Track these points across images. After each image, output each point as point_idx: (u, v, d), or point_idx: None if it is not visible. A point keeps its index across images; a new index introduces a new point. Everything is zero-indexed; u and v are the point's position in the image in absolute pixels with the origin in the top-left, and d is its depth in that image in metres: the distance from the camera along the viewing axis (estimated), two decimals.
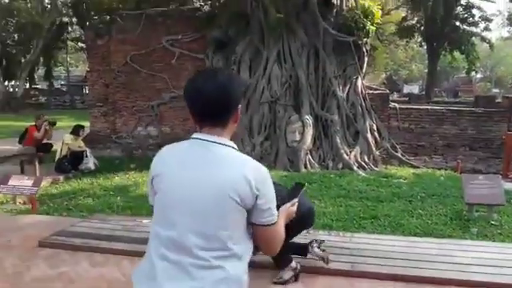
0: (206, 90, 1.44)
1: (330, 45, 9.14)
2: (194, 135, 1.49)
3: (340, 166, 8.50)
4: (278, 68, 9.10)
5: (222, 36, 9.52)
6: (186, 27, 9.92)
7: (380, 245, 4.26)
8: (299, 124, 8.81)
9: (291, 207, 1.68)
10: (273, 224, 1.44)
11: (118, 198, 6.31)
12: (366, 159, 8.68)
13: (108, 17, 10.53)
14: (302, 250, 3.63)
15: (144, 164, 8.74)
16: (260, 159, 8.68)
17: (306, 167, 8.38)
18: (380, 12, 9.30)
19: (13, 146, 9.70)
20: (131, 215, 5.48)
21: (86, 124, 10.69)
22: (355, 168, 8.28)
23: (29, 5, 27.43)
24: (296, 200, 1.74)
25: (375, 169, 8.43)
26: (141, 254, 4.03)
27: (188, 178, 1.41)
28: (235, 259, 1.39)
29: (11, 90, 28.28)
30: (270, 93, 9.05)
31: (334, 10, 9.11)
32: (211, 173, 1.39)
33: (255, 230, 1.45)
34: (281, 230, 1.50)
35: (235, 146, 1.49)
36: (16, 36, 31.09)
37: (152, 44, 9.99)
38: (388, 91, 10.07)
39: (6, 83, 29.84)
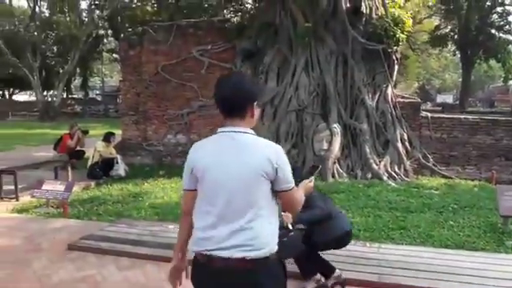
0: (223, 90, 1.83)
1: (358, 52, 9.04)
2: (219, 129, 1.85)
3: (369, 175, 8.33)
4: (305, 76, 9.08)
5: (250, 46, 9.60)
6: (216, 38, 10.06)
7: (408, 256, 4.15)
8: (327, 132, 8.72)
9: (309, 183, 2.12)
10: (290, 190, 1.84)
11: (147, 203, 6.42)
12: (397, 169, 8.46)
13: (140, 28, 10.80)
14: (325, 272, 3.56)
15: (173, 171, 8.92)
16: None
17: (333, 176, 8.26)
18: (411, 20, 9.13)
19: (48, 153, 10.10)
20: (158, 220, 5.56)
21: (118, 132, 10.99)
22: (385, 178, 8.09)
23: (67, 18, 28.61)
24: (312, 178, 2.18)
25: (406, 179, 8.21)
26: (165, 259, 4.12)
27: (223, 162, 1.76)
28: (262, 220, 1.76)
29: (49, 99, 29.38)
30: (297, 101, 9.02)
31: (364, 19, 9.00)
32: (240, 156, 1.76)
33: (279, 196, 1.85)
34: (298, 195, 1.93)
35: (253, 132, 1.85)
36: (55, 48, 32.47)
37: (182, 54, 10.19)
38: (420, 100, 9.83)
39: (45, 93, 31.10)
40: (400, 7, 9.41)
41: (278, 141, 8.95)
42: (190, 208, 1.87)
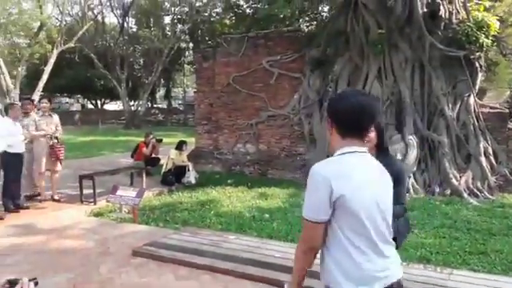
0: (373, 106, 1.69)
1: (437, 59, 8.43)
2: (351, 149, 1.67)
3: (448, 192, 7.71)
4: (378, 85, 8.68)
5: (320, 55, 9.44)
6: (286, 48, 10.06)
7: (486, 286, 3.70)
8: (402, 144, 8.23)
9: None
10: None
11: (212, 212, 6.52)
12: (479, 186, 7.73)
13: (213, 41, 11.17)
14: None
15: (240, 180, 9.04)
16: None
17: (408, 192, 7.77)
18: (497, 24, 8.30)
19: (128, 160, 10.76)
20: (220, 230, 5.60)
21: (192, 140, 11.42)
22: (465, 195, 7.43)
23: (152, 33, 30.55)
24: None
25: (490, 197, 7.45)
26: (223, 271, 4.09)
27: (371, 187, 1.64)
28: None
29: (135, 108, 31.51)
30: None
31: (442, 23, 8.38)
32: (380, 178, 1.70)
33: None
34: None
35: None
36: (141, 61, 34.83)
37: (253, 65, 10.32)
38: (507, 110, 8.90)
39: (132, 103, 33.43)
40: (485, 10, 8.63)
41: None
42: (320, 242, 1.66)
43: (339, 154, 1.67)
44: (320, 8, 15.66)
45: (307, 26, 13.89)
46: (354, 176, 1.59)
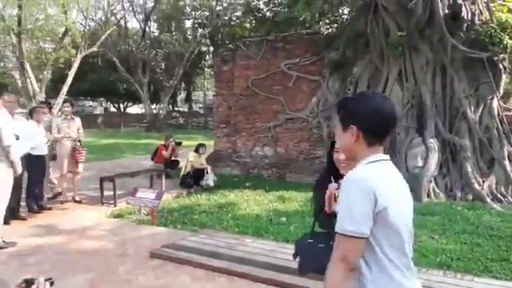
0: (395, 109, 1.64)
1: (459, 61, 8.26)
2: (377, 157, 1.58)
3: (470, 197, 7.53)
4: (398, 87, 8.57)
5: (339, 57, 9.37)
6: (305, 51, 10.03)
7: None
8: (422, 148, 8.09)
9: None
10: None
11: (229, 215, 6.55)
12: (503, 190, 7.52)
13: (232, 45, 11.25)
14: None
15: (258, 183, 9.04)
16: None
17: (428, 196, 7.64)
18: None
19: (148, 162, 10.92)
20: (237, 233, 5.61)
21: (212, 143, 11.50)
22: (488, 200, 7.24)
23: (174, 37, 30.95)
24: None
25: None
26: (239, 274, 4.10)
27: (403, 199, 1.57)
28: None
29: (156, 112, 31.94)
30: None
31: (465, 25, 8.20)
32: (407, 189, 1.63)
33: None
34: None
35: None
36: (163, 64, 35.30)
37: (271, 68, 10.33)
38: None
39: (153, 106, 33.90)
40: (509, 11, 8.41)
41: None
42: (358, 261, 1.51)
43: (368, 163, 1.55)
44: (340, 11, 15.58)
45: (327, 29, 13.82)
46: (391, 187, 1.51)
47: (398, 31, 8.46)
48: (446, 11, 8.13)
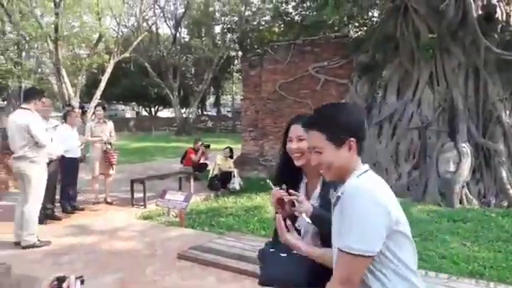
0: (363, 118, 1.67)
1: (493, 64, 8.00)
2: (365, 166, 1.55)
3: (505, 203, 7.27)
4: (429, 90, 8.38)
5: (368, 60, 9.27)
6: (333, 54, 9.98)
7: None
8: (454, 153, 7.86)
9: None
10: None
11: (256, 218, 6.57)
12: None
13: (261, 49, 11.31)
14: None
15: None
16: (407, 190, 8.03)
17: (461, 202, 7.42)
18: None
19: (177, 165, 11.10)
20: (263, 236, 5.61)
21: (239, 147, 11.59)
22: None
23: (204, 42, 31.40)
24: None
25: None
26: None
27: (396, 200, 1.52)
28: None
29: (186, 115, 32.45)
30: (419, 117, 8.36)
31: (499, 26, 7.95)
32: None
33: None
34: None
35: None
36: (193, 69, 35.87)
37: (299, 72, 10.33)
38: None
39: (183, 110, 34.46)
40: None
41: (397, 161, 8.42)
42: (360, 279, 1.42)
43: (362, 173, 1.50)
44: (369, 13, 15.39)
45: (356, 32, 13.70)
46: (390, 194, 1.47)
47: (429, 33, 8.29)
48: (480, 12, 7.91)
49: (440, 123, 8.27)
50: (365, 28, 14.55)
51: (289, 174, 2.02)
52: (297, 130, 1.91)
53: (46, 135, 5.14)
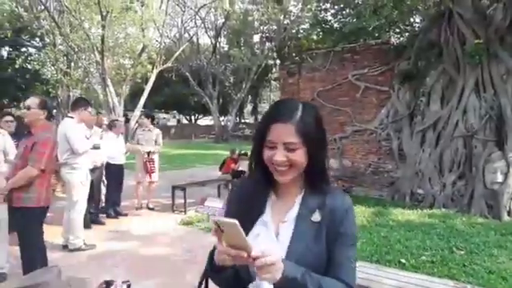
0: None
1: None
2: None
3: None
4: (475, 98, 8.06)
5: (410, 67, 9.05)
6: (373, 61, 9.81)
7: None
8: (502, 163, 7.51)
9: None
10: None
11: None
12: None
13: (299, 57, 11.32)
14: None
15: None
16: (451, 201, 7.75)
17: (509, 215, 7.08)
18: None
19: (215, 172, 11.25)
20: None
21: None
22: None
23: (242, 51, 31.80)
24: None
25: None
26: None
27: None
28: None
29: (224, 123, 32.91)
30: (465, 126, 8.06)
31: None
32: None
33: None
34: None
35: None
36: (231, 78, 36.35)
37: (338, 79, 10.23)
38: None
39: (222, 118, 34.98)
40: None
41: (440, 170, 8.15)
42: None
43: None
44: (411, 19, 15.03)
45: (397, 38, 13.39)
46: None
47: (475, 39, 8.00)
48: None
49: (487, 132, 7.93)
50: (406, 34, 14.21)
51: (257, 195, 1.37)
52: (283, 131, 1.26)
53: (86, 143, 5.34)
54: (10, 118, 5.74)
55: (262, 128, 1.29)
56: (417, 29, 13.20)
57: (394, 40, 10.62)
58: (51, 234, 5.18)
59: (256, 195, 1.36)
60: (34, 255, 3.81)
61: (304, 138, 1.26)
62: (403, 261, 4.87)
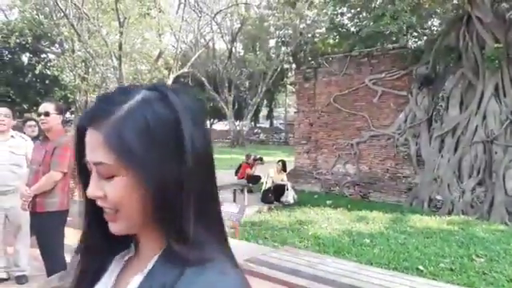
0: None
1: None
2: None
3: None
4: (495, 103, 7.93)
5: (428, 72, 8.94)
6: (391, 65, 9.74)
7: None
8: None
9: None
10: None
11: (310, 232, 6.50)
12: None
13: (313, 62, 11.30)
14: None
15: (339, 201, 8.87)
16: (470, 208, 7.61)
17: None
18: None
19: (231, 177, 11.26)
20: (318, 251, 5.55)
21: (292, 159, 11.56)
22: None
23: (258, 56, 31.88)
24: None
25: None
26: None
27: None
28: None
29: (239, 128, 32.96)
30: (485, 131, 7.93)
31: None
32: None
33: None
34: None
35: None
36: (247, 83, 36.44)
37: (355, 84, 10.18)
38: None
39: (237, 122, 35.04)
40: None
41: (460, 176, 8.02)
42: None
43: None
44: (429, 23, 14.86)
45: (415, 42, 13.25)
46: None
47: (495, 43, 7.87)
48: None
49: (507, 137, 7.79)
50: (424, 38, 14.06)
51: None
52: (89, 143, 0.71)
53: None
54: (33, 122, 5.82)
55: (77, 137, 0.73)
56: (435, 33, 13.05)
57: (411, 44, 10.52)
58: (69, 237, 5.24)
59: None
60: (56, 259, 3.86)
61: (125, 157, 0.64)
62: (421, 268, 4.79)
